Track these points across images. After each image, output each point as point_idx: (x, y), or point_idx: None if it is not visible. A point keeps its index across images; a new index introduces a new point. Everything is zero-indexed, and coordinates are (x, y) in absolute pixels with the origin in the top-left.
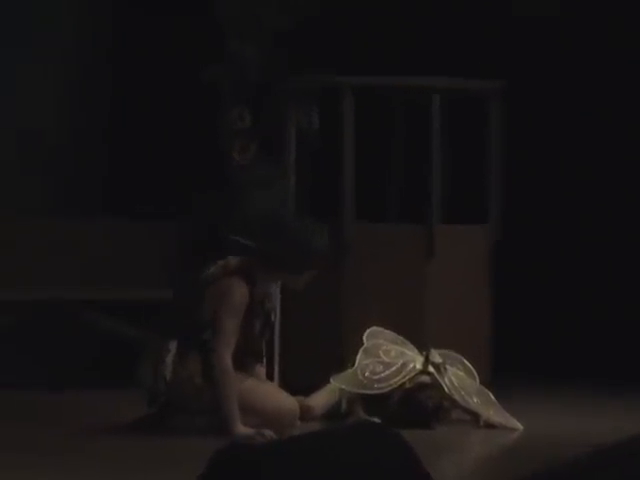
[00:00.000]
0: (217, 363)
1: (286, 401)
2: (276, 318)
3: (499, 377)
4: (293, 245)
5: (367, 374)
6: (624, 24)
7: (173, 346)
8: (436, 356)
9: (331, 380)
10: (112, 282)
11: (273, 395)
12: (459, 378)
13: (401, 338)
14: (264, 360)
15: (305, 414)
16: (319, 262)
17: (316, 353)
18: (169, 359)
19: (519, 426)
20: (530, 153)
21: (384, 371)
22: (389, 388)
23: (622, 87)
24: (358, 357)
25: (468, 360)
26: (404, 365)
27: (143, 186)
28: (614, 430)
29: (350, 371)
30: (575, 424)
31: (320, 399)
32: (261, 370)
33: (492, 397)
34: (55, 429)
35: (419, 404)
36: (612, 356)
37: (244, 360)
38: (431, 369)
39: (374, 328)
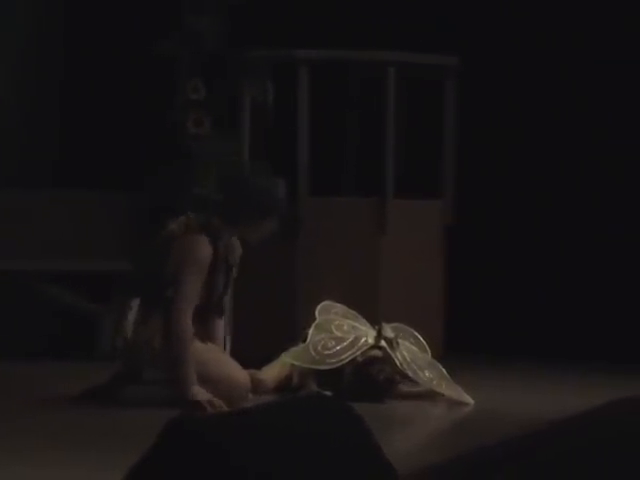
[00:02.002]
0: (177, 321)
1: (239, 374)
2: (235, 274)
3: (452, 353)
4: (252, 194)
5: (319, 349)
6: (580, 2)
7: (135, 304)
8: (388, 330)
9: (283, 356)
10: (64, 253)
11: (227, 367)
12: (411, 352)
13: (353, 312)
14: (224, 316)
15: (257, 387)
16: (277, 211)
17: (269, 326)
18: (131, 317)
19: (470, 400)
20: (486, 130)
21: (336, 346)
22: (341, 363)
23: (578, 63)
24: (310, 332)
25: (421, 335)
26: (356, 339)
27: (97, 158)
28: (567, 406)
29: (302, 346)
30: (527, 400)
31: (272, 372)
32: (220, 324)
33: (444, 371)
34: (4, 401)
35: (370, 378)
36: (566, 334)
37: (205, 315)
38: (383, 343)
39: (326, 302)
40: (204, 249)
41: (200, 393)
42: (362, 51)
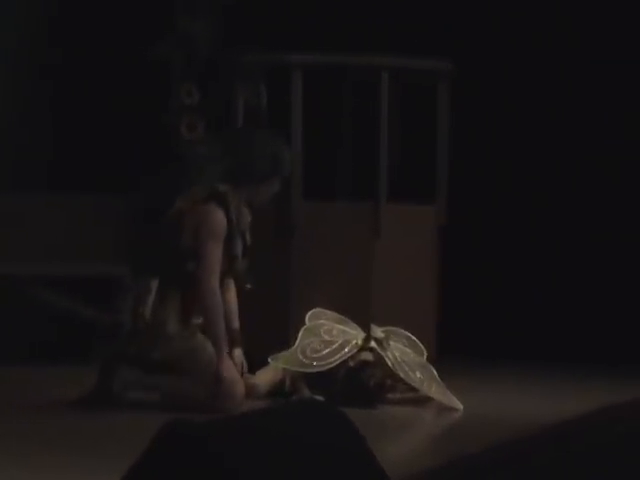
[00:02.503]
0: (207, 295)
1: (237, 385)
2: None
3: (445, 357)
4: (256, 151)
5: (308, 353)
6: (573, 4)
7: (154, 286)
8: (377, 331)
9: (269, 360)
10: (60, 258)
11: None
12: (403, 353)
13: (344, 318)
14: (247, 280)
15: (250, 392)
16: (282, 171)
17: (262, 330)
18: (150, 299)
19: (459, 406)
20: (480, 133)
21: (324, 349)
22: (329, 366)
23: (572, 66)
24: (299, 336)
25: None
26: (345, 342)
27: (91, 161)
28: (558, 412)
29: (290, 350)
30: (521, 405)
31: (265, 377)
32: (233, 292)
33: (435, 374)
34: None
35: (361, 383)
36: (561, 337)
37: (224, 281)
38: (373, 344)
39: (317, 309)
40: (217, 217)
41: (228, 369)
42: (356, 56)
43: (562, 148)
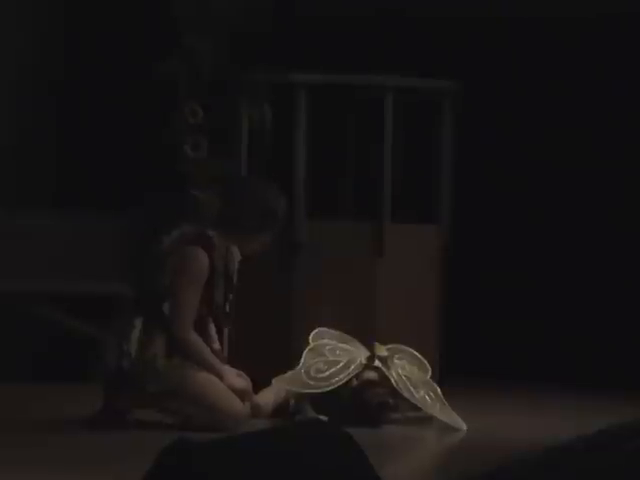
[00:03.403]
0: (179, 337)
1: (235, 404)
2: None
3: (448, 376)
4: (251, 203)
5: (312, 373)
6: (579, 23)
7: (139, 323)
8: (382, 349)
9: (273, 382)
10: (62, 274)
11: (224, 395)
12: (407, 371)
13: (347, 337)
14: (228, 325)
15: (254, 412)
16: (275, 226)
17: (265, 350)
18: (134, 336)
19: (463, 426)
20: (483, 153)
21: (328, 369)
22: (333, 386)
23: (576, 87)
24: (303, 356)
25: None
26: (349, 362)
27: (94, 180)
28: (564, 430)
29: (294, 371)
30: (525, 424)
31: (268, 397)
32: (222, 334)
33: (439, 392)
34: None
35: (363, 402)
36: (565, 357)
37: (205, 327)
38: (377, 363)
39: (320, 329)
40: (199, 260)
41: (235, 382)
42: (360, 75)
43: (567, 166)
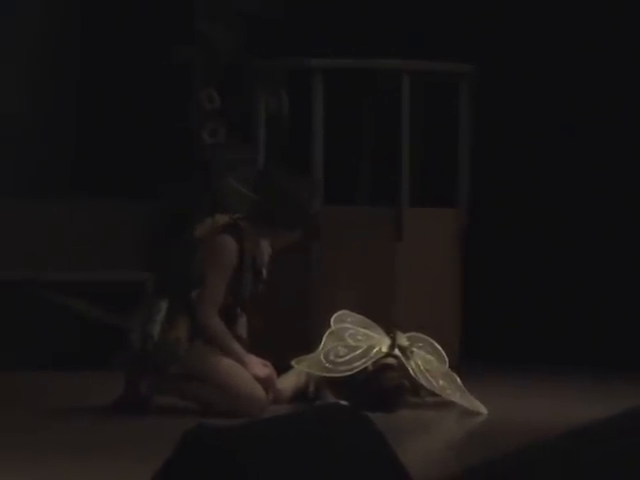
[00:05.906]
0: (204, 324)
1: (257, 392)
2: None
3: (468, 361)
4: (287, 199)
5: (331, 357)
6: (593, 7)
7: (164, 305)
8: (403, 339)
9: (293, 364)
10: (83, 263)
11: (247, 383)
12: (426, 361)
13: (369, 321)
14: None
15: (274, 397)
16: (310, 219)
17: (284, 335)
18: (159, 318)
19: (484, 410)
20: (501, 137)
21: (348, 354)
22: (352, 371)
23: (593, 71)
24: (323, 340)
25: (437, 342)
26: (369, 348)
27: (114, 166)
28: (585, 415)
29: (314, 354)
30: (545, 409)
31: (288, 382)
32: (243, 323)
33: (459, 381)
34: (23, 411)
35: (379, 386)
36: (584, 341)
37: (233, 315)
38: (397, 352)
39: (342, 311)
40: (229, 249)
41: (259, 370)
42: (377, 59)
43: (586, 150)
